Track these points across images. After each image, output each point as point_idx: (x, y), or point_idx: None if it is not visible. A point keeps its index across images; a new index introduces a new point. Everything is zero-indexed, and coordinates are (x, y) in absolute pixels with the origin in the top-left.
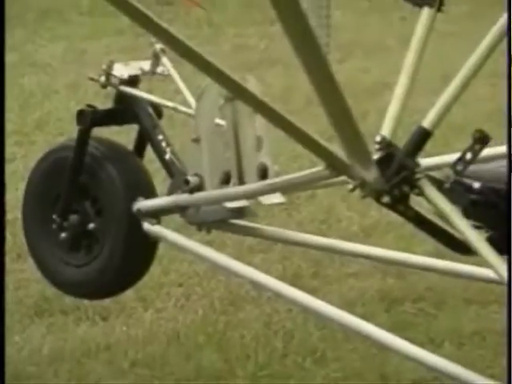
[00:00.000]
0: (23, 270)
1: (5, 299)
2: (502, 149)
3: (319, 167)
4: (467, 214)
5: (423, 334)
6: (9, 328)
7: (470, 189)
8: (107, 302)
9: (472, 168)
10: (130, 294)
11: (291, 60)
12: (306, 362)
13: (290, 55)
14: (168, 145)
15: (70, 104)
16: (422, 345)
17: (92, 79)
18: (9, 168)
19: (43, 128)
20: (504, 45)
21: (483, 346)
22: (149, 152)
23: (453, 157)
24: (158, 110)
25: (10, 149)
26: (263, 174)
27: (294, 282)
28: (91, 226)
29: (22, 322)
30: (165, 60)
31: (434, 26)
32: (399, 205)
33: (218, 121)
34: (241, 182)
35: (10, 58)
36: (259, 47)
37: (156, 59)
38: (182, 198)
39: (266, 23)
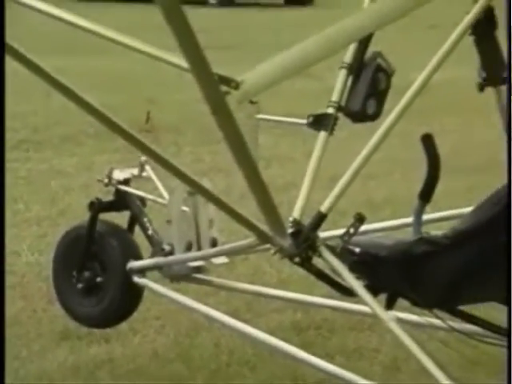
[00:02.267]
0: (53, 310)
1: (5, 300)
2: (374, 225)
3: (251, 238)
4: (352, 269)
5: (322, 350)
6: (43, 349)
7: (353, 253)
8: (109, 330)
9: (354, 238)
10: (124, 325)
11: (230, 168)
12: (243, 370)
13: (230, 165)
14: (150, 224)
15: (83, 198)
16: (321, 357)
17: (99, 181)
18: (43, 241)
19: (65, 215)
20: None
21: (362, 358)
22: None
23: (341, 231)
24: (143, 201)
25: (44, 229)
26: (214, 243)
27: (234, 315)
28: (99, 279)
29: (51, 345)
30: (147, 167)
31: (327, 144)
32: (306, 263)
33: (184, 208)
34: (199, 249)
35: (42, 167)
36: (208, 160)
37: (141, 167)
38: (160, 260)
39: (213, 143)
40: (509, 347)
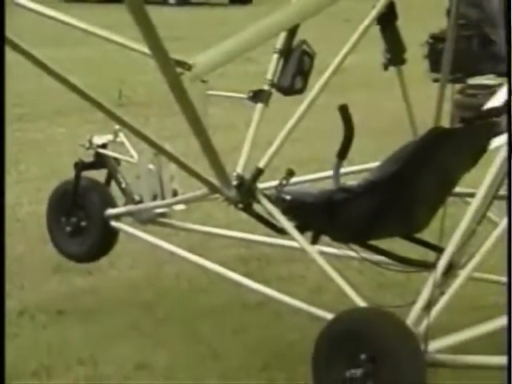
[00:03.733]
0: (47, 249)
1: (5, 301)
2: (302, 178)
3: (204, 190)
4: (284, 213)
5: (261, 277)
6: (40, 281)
7: (285, 200)
8: (91, 264)
9: (286, 188)
10: (103, 260)
11: (188, 135)
12: (200, 295)
13: (187, 132)
14: (123, 180)
15: (70, 160)
16: (260, 283)
17: (82, 145)
18: (40, 195)
19: (56, 173)
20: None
21: (293, 284)
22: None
23: (275, 183)
24: (117, 161)
25: (40, 185)
26: (174, 194)
27: (192, 251)
28: (83, 223)
29: (46, 278)
30: (120, 134)
31: (263, 114)
32: (247, 209)
33: (150, 166)
34: (162, 198)
35: (38, 136)
36: (170, 128)
37: (116, 134)
38: (132, 207)
39: (174, 114)
40: (509, 344)
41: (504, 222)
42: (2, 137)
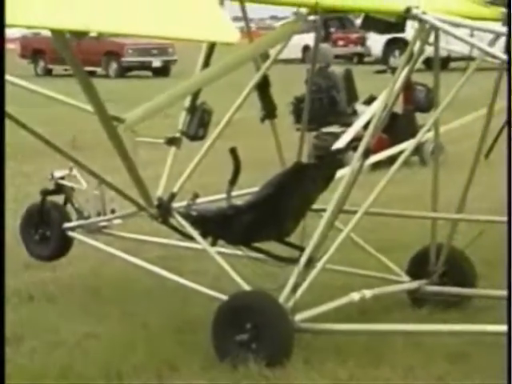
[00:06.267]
0: (21, 251)
1: (4, 303)
2: (204, 199)
3: (133, 209)
4: (192, 224)
5: (176, 271)
6: (15, 274)
7: (191, 215)
8: (54, 262)
9: (194, 207)
10: (63, 259)
11: (122, 169)
12: (132, 284)
13: (122, 167)
14: (76, 202)
15: (38, 187)
16: (176, 274)
17: (47, 178)
18: (15, 214)
19: (27, 198)
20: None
21: (198, 275)
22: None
23: (185, 203)
24: (72, 188)
25: (15, 206)
26: (113, 212)
27: (128, 253)
28: (47, 233)
29: (19, 272)
30: (74, 170)
31: (177, 155)
32: (165, 222)
33: (96, 192)
34: (104, 215)
35: (10, 172)
36: (110, 165)
37: (70, 169)
38: (82, 222)
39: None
40: (509, 348)
41: (346, 229)
42: (2, 138)
